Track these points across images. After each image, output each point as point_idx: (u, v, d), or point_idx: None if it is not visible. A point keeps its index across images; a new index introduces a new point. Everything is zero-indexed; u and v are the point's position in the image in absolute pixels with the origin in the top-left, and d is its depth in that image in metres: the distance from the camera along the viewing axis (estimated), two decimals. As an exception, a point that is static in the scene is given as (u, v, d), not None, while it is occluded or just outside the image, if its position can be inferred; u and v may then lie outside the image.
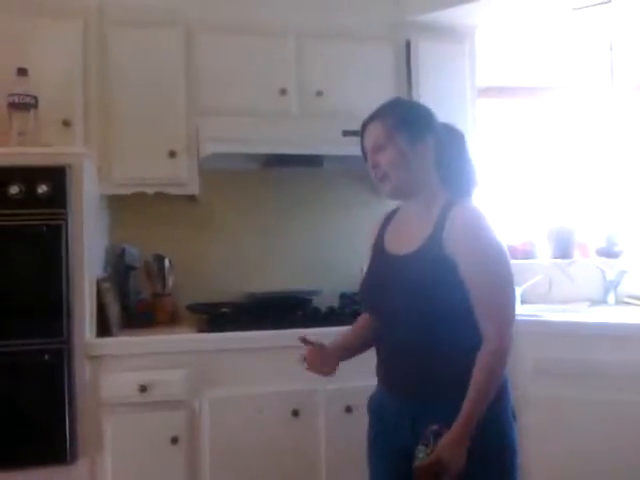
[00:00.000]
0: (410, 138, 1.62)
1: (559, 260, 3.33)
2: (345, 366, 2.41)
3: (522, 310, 2.91)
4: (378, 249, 1.75)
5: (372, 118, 1.69)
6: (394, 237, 1.73)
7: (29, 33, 2.65)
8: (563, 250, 3.36)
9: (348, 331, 1.87)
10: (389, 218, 1.80)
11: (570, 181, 3.68)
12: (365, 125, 1.70)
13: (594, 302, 3.18)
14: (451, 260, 1.54)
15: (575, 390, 2.51)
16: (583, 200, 3.64)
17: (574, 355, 2.55)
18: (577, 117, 3.71)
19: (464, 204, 1.62)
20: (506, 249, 1.59)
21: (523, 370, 2.57)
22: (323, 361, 1.76)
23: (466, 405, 1.49)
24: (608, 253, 3.33)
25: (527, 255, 3.39)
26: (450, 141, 1.69)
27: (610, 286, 3.21)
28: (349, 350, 1.82)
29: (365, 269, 1.79)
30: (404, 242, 1.65)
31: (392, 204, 1.83)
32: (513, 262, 1.61)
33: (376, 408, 1.74)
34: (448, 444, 1.46)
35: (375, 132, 1.65)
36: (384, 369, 1.71)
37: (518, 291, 3.05)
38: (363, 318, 1.85)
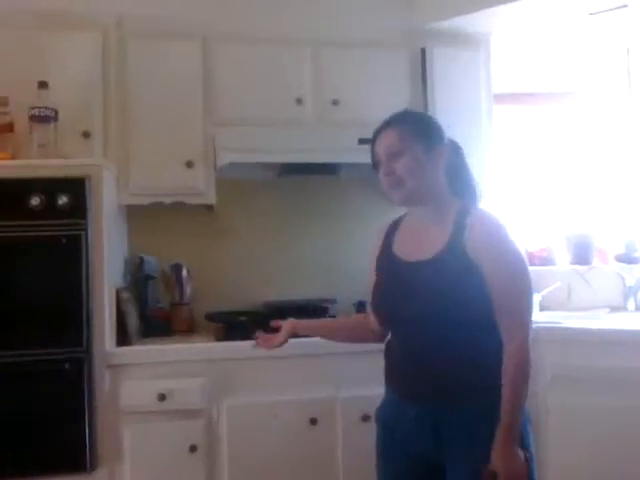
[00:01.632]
0: (426, 146, 1.66)
1: (578, 266, 3.30)
2: (361, 374, 2.43)
3: (541, 317, 2.89)
4: (387, 257, 1.75)
5: (386, 125, 1.70)
6: (405, 244, 1.73)
7: (49, 46, 2.69)
8: (582, 256, 3.33)
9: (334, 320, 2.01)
10: (394, 227, 1.80)
11: (588, 187, 3.65)
12: (379, 132, 1.71)
13: (613, 308, 3.16)
14: (474, 264, 1.56)
15: (594, 397, 2.48)
16: (602, 206, 3.61)
17: (593, 362, 2.52)
18: (594, 122, 3.68)
19: (481, 211, 1.65)
20: (525, 256, 1.62)
21: (542, 377, 2.55)
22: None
23: (504, 407, 1.51)
24: (627, 259, 3.30)
25: (546, 261, 3.37)
26: (455, 153, 1.74)
27: (630, 292, 3.18)
28: (323, 330, 2.04)
29: (371, 278, 1.79)
30: (418, 249, 1.66)
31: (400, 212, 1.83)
32: (531, 269, 1.63)
33: (385, 418, 1.74)
34: (496, 455, 1.49)
35: (390, 139, 1.67)
36: (400, 377, 1.70)
37: (537, 298, 3.04)
38: (357, 318, 1.87)
